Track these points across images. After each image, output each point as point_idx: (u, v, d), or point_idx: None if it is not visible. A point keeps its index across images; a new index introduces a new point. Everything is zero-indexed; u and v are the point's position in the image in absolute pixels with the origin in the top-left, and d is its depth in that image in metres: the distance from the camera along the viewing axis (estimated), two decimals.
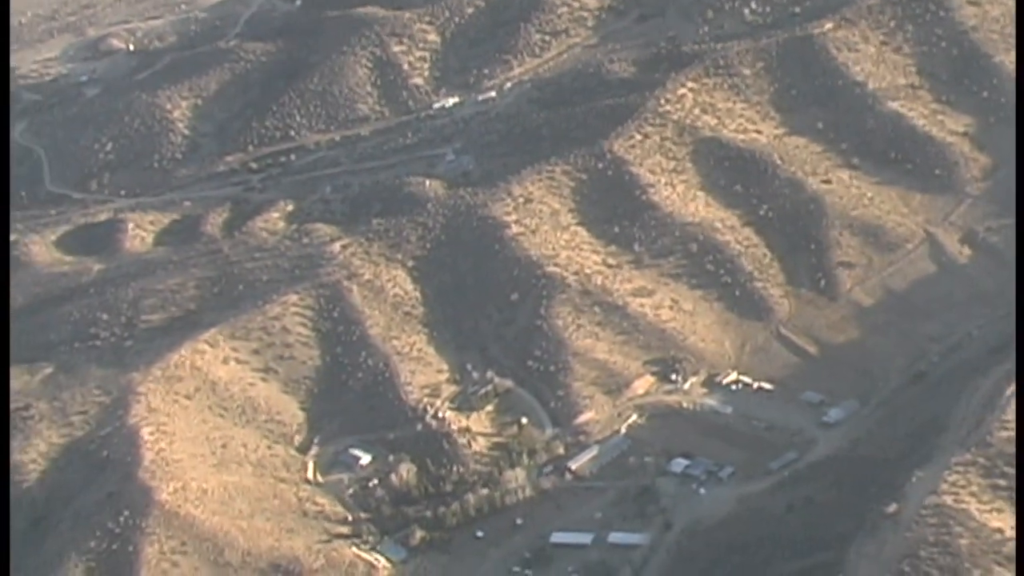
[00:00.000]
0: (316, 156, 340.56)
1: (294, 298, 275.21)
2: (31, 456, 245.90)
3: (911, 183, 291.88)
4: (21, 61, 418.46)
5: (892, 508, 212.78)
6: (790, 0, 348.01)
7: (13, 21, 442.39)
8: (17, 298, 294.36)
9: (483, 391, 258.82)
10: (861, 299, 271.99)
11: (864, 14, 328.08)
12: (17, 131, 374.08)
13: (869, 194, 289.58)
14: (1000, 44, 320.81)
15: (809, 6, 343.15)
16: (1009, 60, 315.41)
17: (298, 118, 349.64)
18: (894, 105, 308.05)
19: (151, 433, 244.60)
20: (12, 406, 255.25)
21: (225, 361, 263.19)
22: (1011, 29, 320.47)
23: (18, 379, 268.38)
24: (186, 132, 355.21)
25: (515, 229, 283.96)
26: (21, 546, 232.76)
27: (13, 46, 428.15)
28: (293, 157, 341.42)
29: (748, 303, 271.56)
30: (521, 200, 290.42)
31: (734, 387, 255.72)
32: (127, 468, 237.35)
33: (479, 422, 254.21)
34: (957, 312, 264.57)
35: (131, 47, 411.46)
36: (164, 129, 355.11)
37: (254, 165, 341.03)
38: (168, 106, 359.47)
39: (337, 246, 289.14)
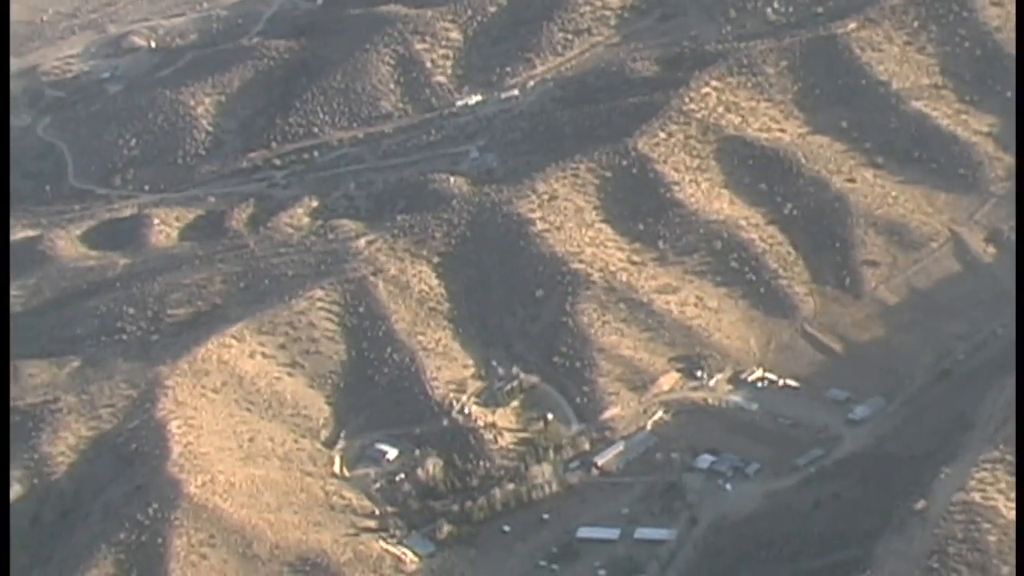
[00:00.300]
0: (339, 153, 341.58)
1: (320, 293, 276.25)
2: (60, 448, 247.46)
3: (935, 182, 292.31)
4: (43, 58, 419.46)
5: (920, 505, 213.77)
6: (813, 0, 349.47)
7: (35, 18, 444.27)
8: (44, 292, 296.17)
9: (509, 387, 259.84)
10: (886, 297, 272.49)
11: (887, 14, 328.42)
12: (40, 127, 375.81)
13: (893, 193, 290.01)
14: None
15: (832, 6, 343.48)
16: None
17: (321, 115, 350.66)
18: (918, 104, 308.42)
19: (179, 426, 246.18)
20: (40, 399, 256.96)
21: (252, 355, 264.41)
22: None
23: (45, 372, 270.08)
24: (209, 128, 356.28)
25: (540, 226, 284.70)
26: (49, 537, 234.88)
27: (34, 43, 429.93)
28: (316, 154, 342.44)
29: (773, 301, 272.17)
30: (546, 197, 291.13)
31: (759, 384, 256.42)
32: (155, 461, 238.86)
33: (505, 418, 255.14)
34: (982, 310, 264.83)
35: (153, 44, 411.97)
36: (187, 125, 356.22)
37: (277, 162, 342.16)
38: (191, 103, 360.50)
39: (362, 242, 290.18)
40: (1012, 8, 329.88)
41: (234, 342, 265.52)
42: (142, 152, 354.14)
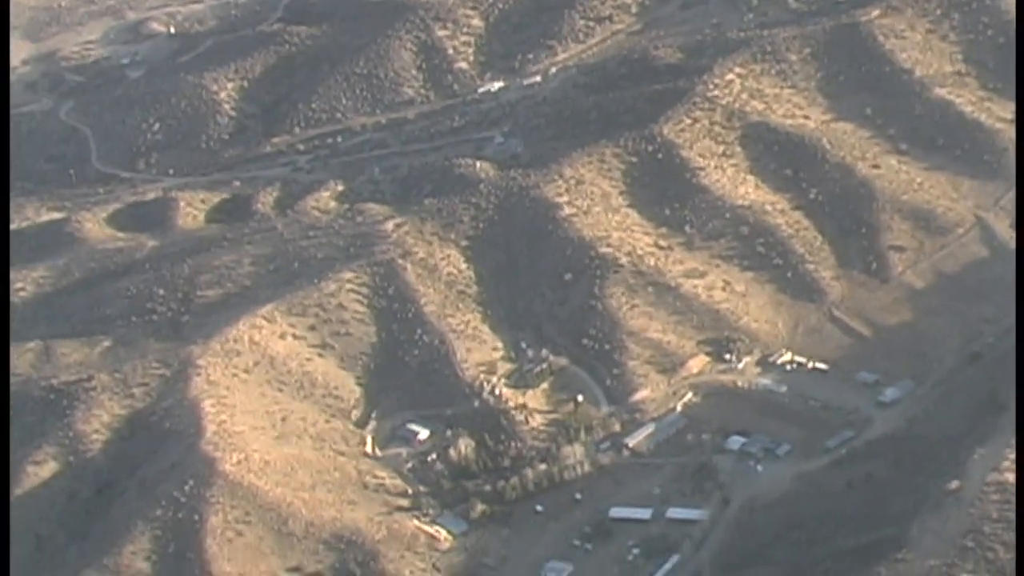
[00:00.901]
0: (363, 138, 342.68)
1: (349, 275, 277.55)
2: (94, 426, 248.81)
3: (960, 168, 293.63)
4: (62, 43, 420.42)
5: (954, 485, 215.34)
6: None
7: (52, 3, 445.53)
8: (73, 273, 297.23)
9: (538, 369, 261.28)
10: (913, 282, 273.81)
11: (910, 2, 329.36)
12: (63, 111, 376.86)
13: (919, 179, 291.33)
14: None
15: None
16: None
17: (344, 101, 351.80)
18: (941, 92, 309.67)
19: (212, 405, 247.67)
20: (74, 377, 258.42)
21: (282, 336, 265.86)
22: None
23: (77, 351, 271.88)
24: (232, 113, 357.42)
25: (567, 210, 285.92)
26: (86, 514, 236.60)
27: (53, 28, 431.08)
28: (340, 139, 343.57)
29: (800, 285, 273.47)
30: (572, 182, 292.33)
31: (788, 367, 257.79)
32: (190, 439, 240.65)
33: (535, 399, 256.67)
34: (1009, 295, 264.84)
35: (172, 30, 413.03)
36: (210, 110, 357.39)
37: (301, 146, 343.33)
38: (214, 87, 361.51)
39: (390, 225, 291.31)
40: None
41: (265, 323, 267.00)
42: (165, 136, 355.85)
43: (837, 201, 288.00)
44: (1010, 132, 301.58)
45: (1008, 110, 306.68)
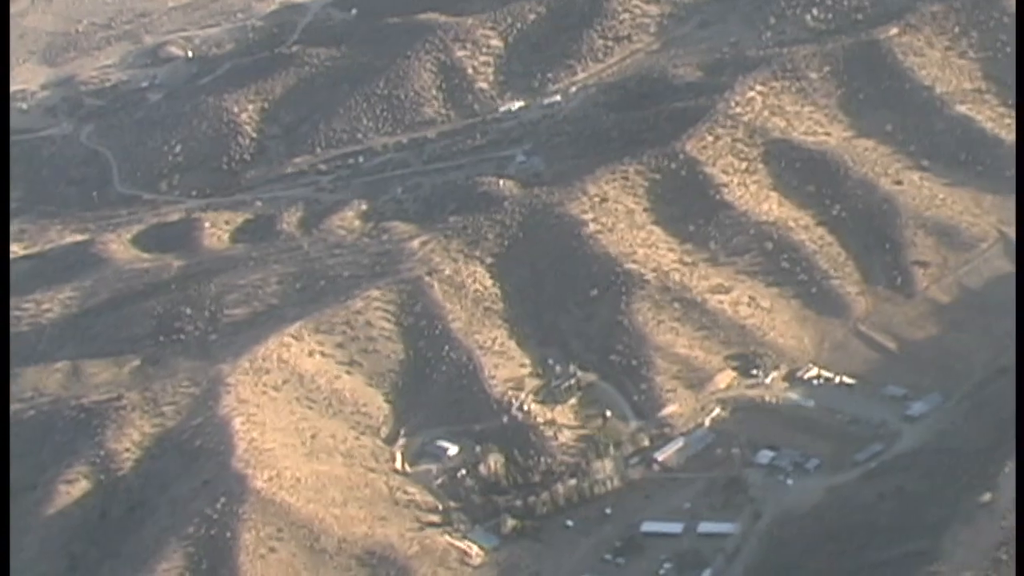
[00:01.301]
0: (385, 158, 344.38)
1: (376, 293, 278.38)
2: (125, 445, 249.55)
3: (982, 184, 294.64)
4: (80, 68, 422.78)
5: (986, 497, 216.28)
6: (852, 7, 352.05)
7: (69, 28, 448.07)
8: (100, 293, 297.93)
9: (566, 384, 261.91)
10: (938, 297, 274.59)
11: (928, 20, 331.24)
12: (83, 134, 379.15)
13: (941, 195, 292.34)
14: None
15: (871, 12, 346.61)
16: None
17: (365, 121, 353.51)
18: (962, 108, 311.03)
19: (242, 423, 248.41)
20: (104, 396, 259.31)
21: (311, 354, 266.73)
22: None
23: (106, 371, 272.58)
24: (254, 135, 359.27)
25: (592, 227, 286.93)
26: (118, 532, 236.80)
27: (70, 53, 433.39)
28: (361, 159, 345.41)
29: (825, 300, 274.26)
30: (597, 199, 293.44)
31: (816, 381, 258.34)
32: (221, 457, 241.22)
33: (564, 415, 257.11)
34: None
35: (190, 54, 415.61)
36: (232, 132, 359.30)
37: (323, 167, 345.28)
38: (235, 109, 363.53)
39: (416, 243, 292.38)
40: None
41: (293, 341, 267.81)
42: (187, 158, 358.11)
43: (860, 217, 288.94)
44: None
45: None
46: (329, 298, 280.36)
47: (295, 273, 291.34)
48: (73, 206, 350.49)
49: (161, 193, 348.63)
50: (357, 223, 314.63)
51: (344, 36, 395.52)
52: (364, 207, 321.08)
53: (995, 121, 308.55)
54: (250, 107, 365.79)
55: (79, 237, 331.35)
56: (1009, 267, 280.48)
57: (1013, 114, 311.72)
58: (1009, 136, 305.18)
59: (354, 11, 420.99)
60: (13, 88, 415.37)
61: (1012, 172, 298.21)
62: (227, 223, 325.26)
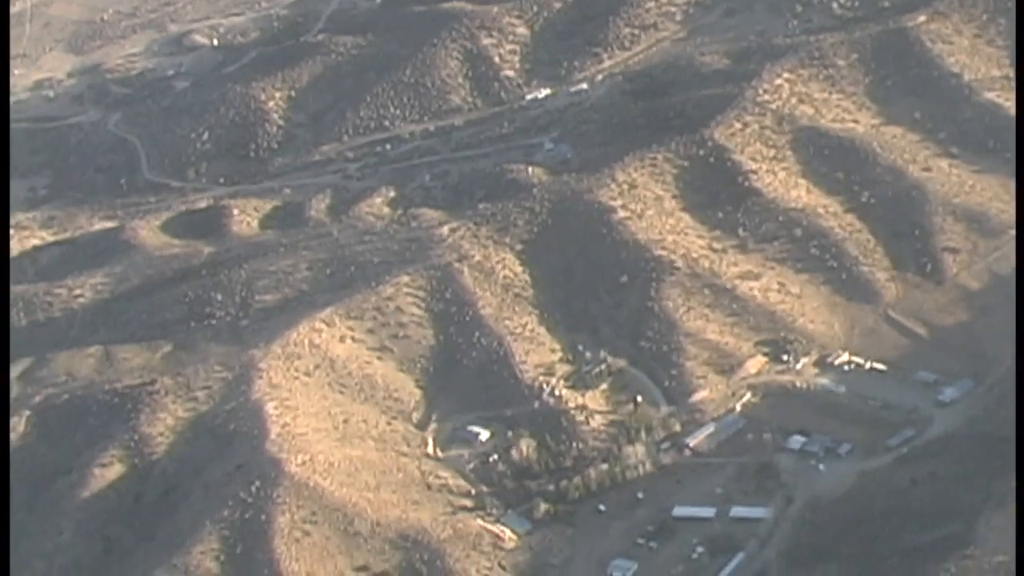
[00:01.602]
0: (412, 145, 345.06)
1: (406, 279, 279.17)
2: (159, 429, 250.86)
3: (1011, 171, 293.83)
4: (106, 56, 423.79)
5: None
6: None
7: (94, 17, 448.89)
8: (130, 279, 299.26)
9: (597, 370, 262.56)
10: (968, 283, 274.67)
11: (956, 7, 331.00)
12: (111, 122, 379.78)
13: (970, 182, 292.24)
14: None
15: (898, 0, 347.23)
16: None
17: (392, 109, 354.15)
18: (990, 95, 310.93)
19: (275, 408, 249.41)
20: (137, 381, 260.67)
21: (342, 340, 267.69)
22: None
23: (139, 356, 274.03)
24: (281, 123, 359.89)
25: (621, 214, 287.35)
26: (153, 516, 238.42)
27: (96, 42, 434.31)
28: (389, 147, 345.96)
29: (855, 286, 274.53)
30: (625, 186, 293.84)
31: (846, 367, 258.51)
32: (254, 441, 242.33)
33: (595, 400, 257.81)
34: None
35: (215, 42, 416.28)
36: (259, 119, 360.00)
37: (350, 154, 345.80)
38: (262, 97, 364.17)
39: (445, 229, 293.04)
40: None
41: (324, 327, 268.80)
42: (215, 146, 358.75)
43: (889, 204, 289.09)
44: None
45: None
46: (359, 284, 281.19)
47: (325, 259, 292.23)
48: (101, 193, 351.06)
49: (189, 181, 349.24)
50: (386, 210, 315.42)
51: (369, 24, 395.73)
52: (392, 194, 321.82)
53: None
54: (277, 95, 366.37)
55: (108, 224, 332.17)
56: None
57: None
58: None
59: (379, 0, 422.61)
60: (39, 76, 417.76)
61: None
62: (256, 210, 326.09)
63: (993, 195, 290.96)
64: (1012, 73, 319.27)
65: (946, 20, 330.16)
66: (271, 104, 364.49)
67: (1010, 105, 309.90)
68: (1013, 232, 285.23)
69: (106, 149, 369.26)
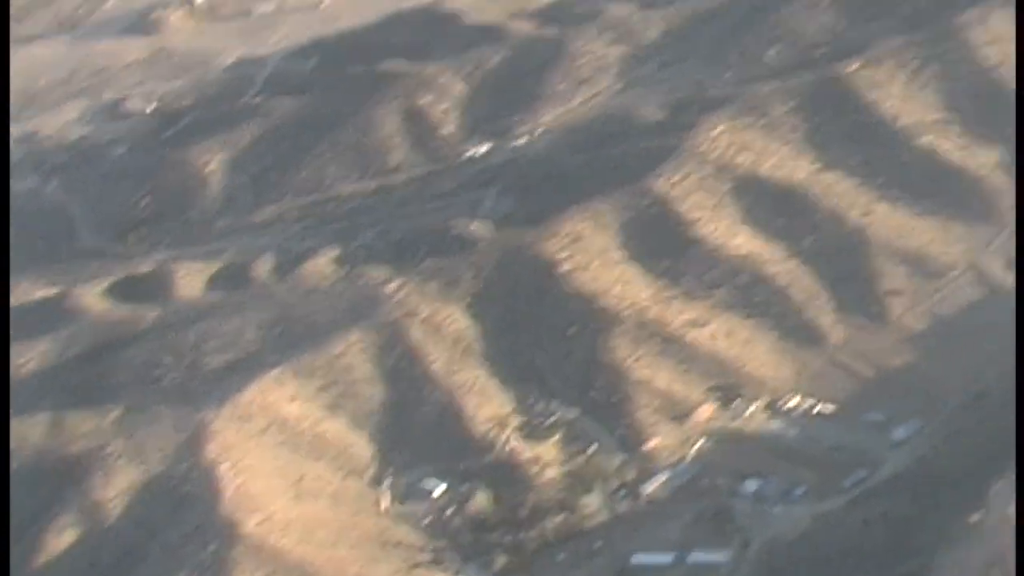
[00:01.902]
0: (353, 204, 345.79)
1: (355, 337, 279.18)
2: (112, 493, 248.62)
3: (950, 213, 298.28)
4: (42, 125, 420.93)
5: (975, 518, 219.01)
6: (811, 43, 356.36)
7: (29, 86, 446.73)
8: (76, 345, 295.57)
9: (549, 421, 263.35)
10: (912, 325, 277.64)
11: (889, 54, 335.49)
12: (48, 189, 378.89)
13: (910, 225, 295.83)
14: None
15: (831, 48, 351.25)
16: None
17: (332, 168, 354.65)
18: (926, 139, 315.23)
19: (229, 468, 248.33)
20: (88, 445, 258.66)
21: (293, 399, 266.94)
22: None
23: (89, 421, 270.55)
24: (221, 185, 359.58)
25: (567, 266, 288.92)
26: None
27: (31, 110, 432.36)
28: (331, 206, 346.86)
29: (802, 331, 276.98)
30: (570, 238, 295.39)
31: (796, 411, 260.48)
32: (210, 502, 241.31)
33: (548, 451, 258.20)
34: (1008, 335, 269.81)
35: (151, 108, 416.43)
36: (199, 183, 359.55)
37: (293, 214, 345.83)
38: (201, 160, 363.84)
39: (392, 286, 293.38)
40: (1009, 46, 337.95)
41: (275, 386, 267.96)
42: (155, 210, 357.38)
43: (832, 248, 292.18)
44: (996, 177, 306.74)
45: (992, 155, 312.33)
46: (308, 343, 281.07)
47: (272, 320, 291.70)
48: (42, 260, 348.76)
49: (130, 245, 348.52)
50: (331, 269, 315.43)
51: (306, 86, 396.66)
52: (336, 253, 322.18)
53: (960, 151, 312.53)
54: (216, 158, 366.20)
55: (51, 291, 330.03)
56: (979, 294, 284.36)
57: (976, 144, 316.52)
58: (973, 165, 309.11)
59: (314, 62, 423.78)
60: None
61: (977, 201, 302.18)
62: (200, 273, 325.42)
63: (933, 237, 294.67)
64: (947, 116, 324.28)
65: (879, 67, 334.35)
66: (210, 167, 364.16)
67: (946, 148, 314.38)
68: (954, 273, 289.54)
69: (45, 216, 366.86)
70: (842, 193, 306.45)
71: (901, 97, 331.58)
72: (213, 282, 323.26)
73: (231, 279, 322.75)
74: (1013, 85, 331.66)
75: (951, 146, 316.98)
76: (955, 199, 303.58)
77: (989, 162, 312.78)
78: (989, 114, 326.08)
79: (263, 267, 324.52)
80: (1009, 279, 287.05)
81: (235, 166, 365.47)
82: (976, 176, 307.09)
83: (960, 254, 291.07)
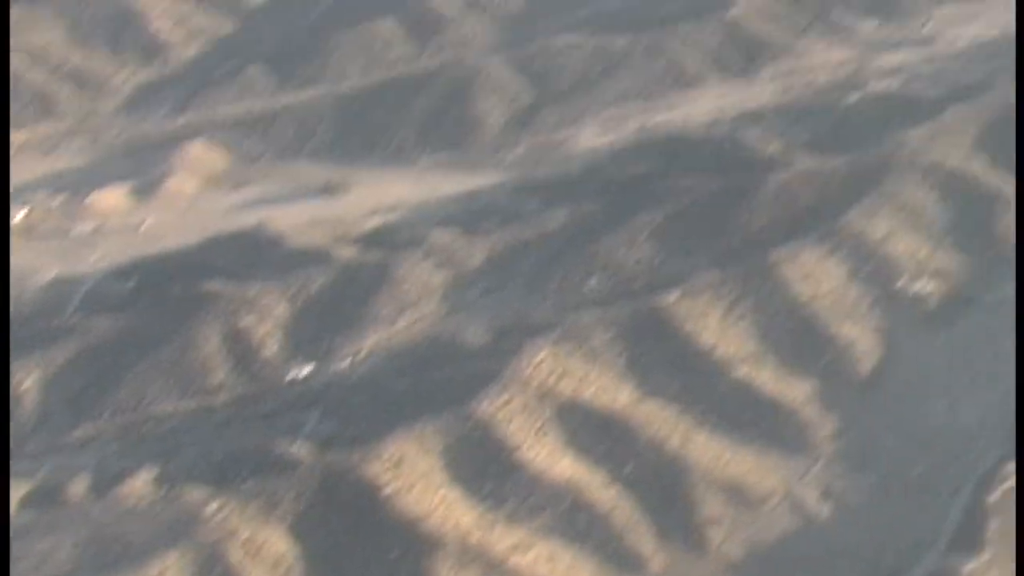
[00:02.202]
0: (174, 424, 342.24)
1: (172, 559, 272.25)
2: None
3: (766, 443, 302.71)
4: None
5: None
6: (631, 275, 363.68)
7: None
8: None
9: None
10: (730, 553, 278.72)
11: (705, 287, 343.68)
12: None
13: (728, 454, 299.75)
14: (834, 313, 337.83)
15: (650, 280, 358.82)
16: (845, 330, 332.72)
17: (152, 388, 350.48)
18: (743, 371, 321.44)
19: None
20: None
21: None
22: (845, 301, 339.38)
23: None
24: (36, 404, 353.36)
25: (390, 489, 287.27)
26: None
27: None
28: (150, 425, 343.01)
29: (623, 558, 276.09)
30: (393, 461, 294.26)
31: None
32: None
33: None
34: (824, 565, 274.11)
35: None
36: (13, 402, 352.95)
37: (110, 433, 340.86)
38: (16, 379, 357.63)
39: (211, 507, 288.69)
40: (820, 282, 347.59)
41: None
42: None
43: (652, 476, 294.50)
44: (810, 408, 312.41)
45: (807, 387, 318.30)
46: (124, 564, 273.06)
47: (87, 540, 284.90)
48: None
49: None
50: (149, 489, 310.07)
51: (126, 305, 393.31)
52: (156, 473, 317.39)
53: (775, 383, 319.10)
54: (31, 376, 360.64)
55: None
56: (795, 525, 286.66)
57: (791, 376, 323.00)
58: (788, 396, 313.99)
59: (134, 281, 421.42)
60: None
61: (792, 432, 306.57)
62: (13, 492, 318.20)
63: (750, 467, 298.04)
64: (762, 348, 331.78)
65: (696, 299, 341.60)
66: (25, 386, 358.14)
67: (762, 380, 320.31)
68: (772, 502, 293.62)
69: None
70: (662, 421, 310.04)
71: (718, 329, 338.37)
72: (26, 502, 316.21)
73: (44, 499, 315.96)
74: (825, 318, 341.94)
75: (767, 377, 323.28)
76: (770, 429, 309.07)
77: (803, 394, 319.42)
78: (803, 347, 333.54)
79: (78, 487, 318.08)
80: (824, 510, 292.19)
81: (51, 384, 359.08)
82: (791, 408, 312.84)
83: (776, 484, 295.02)
